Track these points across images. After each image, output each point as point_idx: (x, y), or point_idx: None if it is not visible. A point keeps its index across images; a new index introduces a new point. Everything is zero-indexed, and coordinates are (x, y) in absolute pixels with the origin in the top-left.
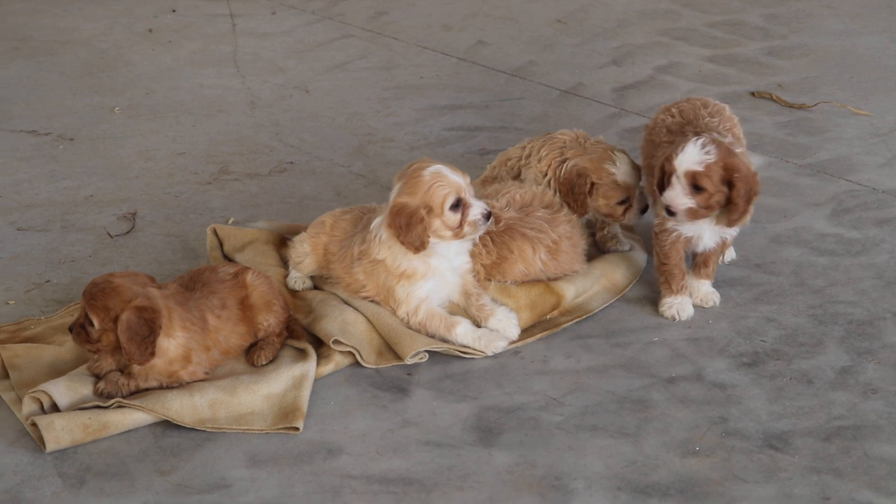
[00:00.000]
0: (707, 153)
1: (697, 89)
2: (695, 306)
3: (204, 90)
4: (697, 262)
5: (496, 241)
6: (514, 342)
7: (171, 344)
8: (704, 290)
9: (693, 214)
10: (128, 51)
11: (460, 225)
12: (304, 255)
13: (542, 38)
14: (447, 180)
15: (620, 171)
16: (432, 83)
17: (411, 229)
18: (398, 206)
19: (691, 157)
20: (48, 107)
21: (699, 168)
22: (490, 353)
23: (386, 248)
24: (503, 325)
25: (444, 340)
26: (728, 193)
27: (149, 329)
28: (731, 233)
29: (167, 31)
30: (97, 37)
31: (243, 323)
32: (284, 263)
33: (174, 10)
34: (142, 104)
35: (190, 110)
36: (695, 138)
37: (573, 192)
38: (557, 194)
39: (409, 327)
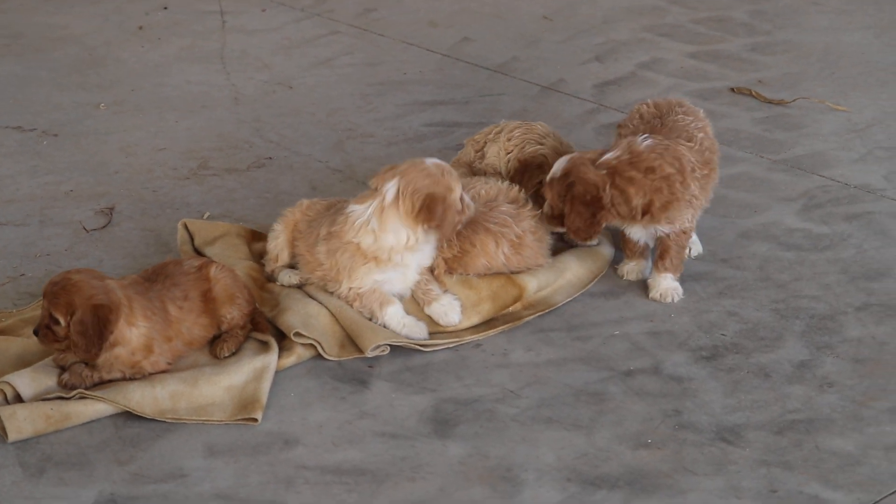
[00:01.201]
0: (562, 164)
1: (678, 85)
2: (654, 301)
3: (189, 86)
4: (656, 254)
5: (459, 235)
6: (475, 334)
7: (134, 333)
8: (664, 284)
9: (549, 221)
10: (117, 48)
11: (462, 212)
12: (278, 236)
13: (528, 35)
14: (451, 170)
15: None
16: (415, 79)
17: (447, 216)
18: (430, 196)
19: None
20: (35, 103)
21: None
22: (415, 339)
23: (370, 233)
24: (443, 311)
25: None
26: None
27: (102, 327)
28: (663, 230)
29: (157, 28)
30: (88, 34)
31: (206, 315)
32: (257, 258)
33: (166, 8)
34: (127, 100)
35: (174, 106)
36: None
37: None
38: (509, 175)
39: (344, 298)
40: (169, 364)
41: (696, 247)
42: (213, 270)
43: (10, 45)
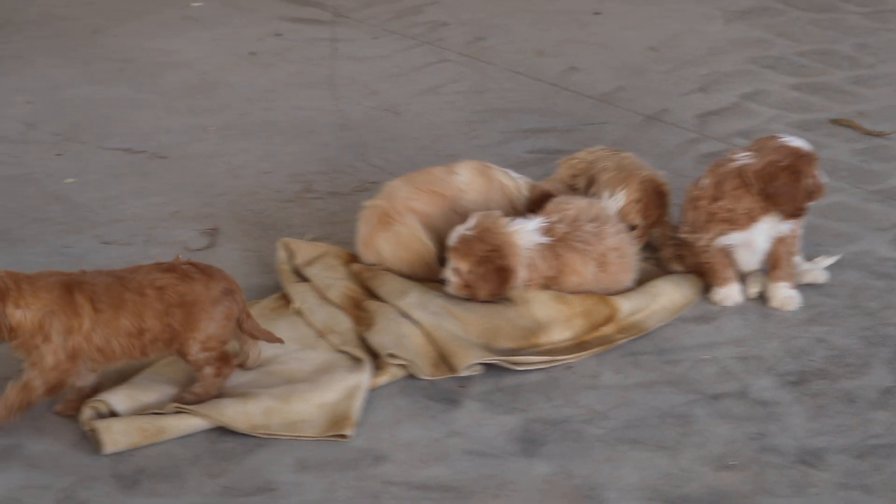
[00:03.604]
0: None
1: (779, 116)
2: (774, 310)
3: (297, 111)
4: (768, 265)
5: (552, 254)
6: (568, 356)
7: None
8: (783, 293)
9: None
10: (228, 73)
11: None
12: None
13: (633, 65)
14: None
15: None
16: (520, 107)
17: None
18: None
19: None
20: (145, 126)
21: None
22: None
23: None
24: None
25: None
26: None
27: None
28: (786, 228)
29: (269, 54)
30: (200, 59)
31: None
32: (355, 279)
33: (279, 34)
34: (235, 124)
35: (281, 131)
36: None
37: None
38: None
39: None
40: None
41: (822, 273)
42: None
43: (123, 70)
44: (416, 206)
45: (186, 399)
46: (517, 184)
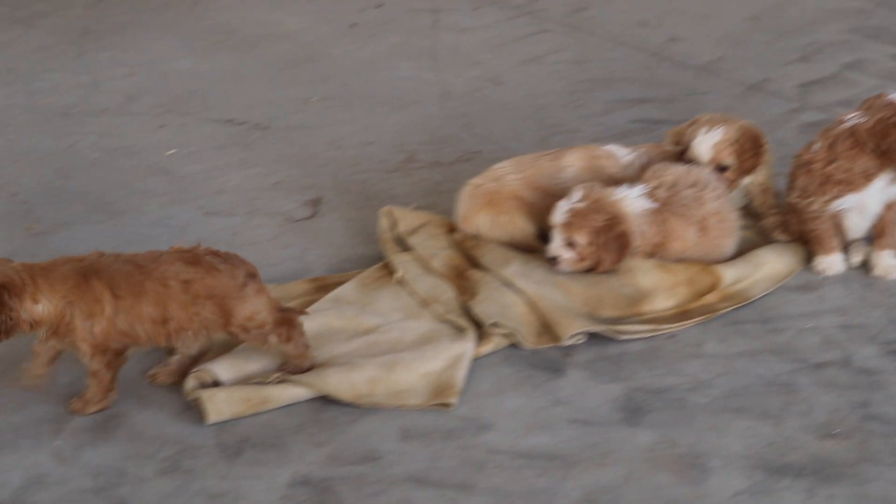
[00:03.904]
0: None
1: (880, 85)
2: (878, 279)
3: (399, 82)
4: (873, 233)
5: (659, 220)
6: (671, 325)
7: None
8: (886, 261)
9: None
10: (330, 44)
11: None
12: None
13: (735, 35)
14: None
15: None
16: (622, 77)
17: None
18: None
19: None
20: (246, 97)
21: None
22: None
23: None
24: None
25: None
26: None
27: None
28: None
29: (370, 25)
30: (301, 31)
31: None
32: (457, 246)
33: (380, 5)
34: (337, 95)
35: (383, 102)
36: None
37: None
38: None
39: None
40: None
41: None
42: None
43: (224, 41)
44: (521, 194)
45: (289, 370)
46: (626, 172)
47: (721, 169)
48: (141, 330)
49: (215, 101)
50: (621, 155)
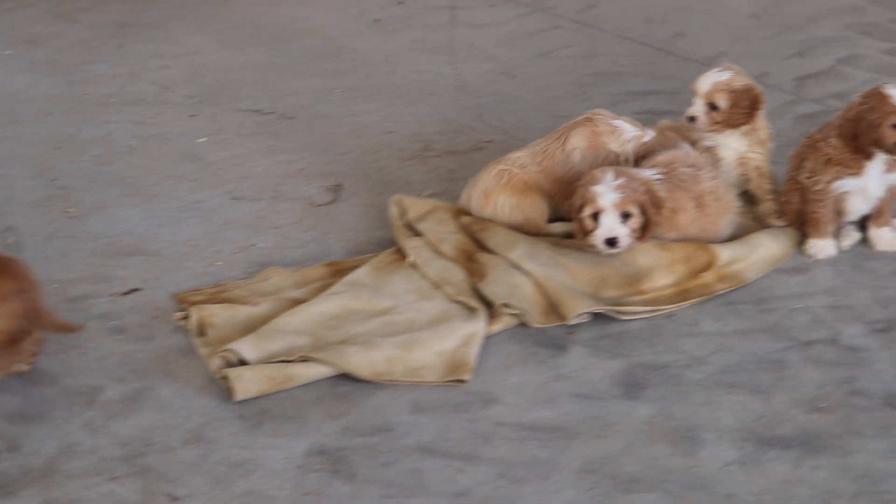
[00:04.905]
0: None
1: (873, 79)
2: (881, 252)
3: (418, 75)
4: (872, 212)
5: (668, 190)
6: (670, 305)
7: None
8: (887, 236)
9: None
10: (354, 39)
11: None
12: None
13: (737, 31)
14: None
15: None
16: (629, 71)
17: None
18: None
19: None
20: (274, 88)
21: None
22: None
23: None
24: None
25: None
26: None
27: None
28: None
29: (392, 21)
30: (328, 26)
31: None
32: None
33: (401, 2)
34: (360, 87)
35: (403, 93)
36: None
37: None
38: None
39: None
40: None
41: None
42: None
43: (255, 36)
44: (541, 183)
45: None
46: (625, 148)
47: (712, 107)
48: None
49: (245, 91)
50: (627, 131)
